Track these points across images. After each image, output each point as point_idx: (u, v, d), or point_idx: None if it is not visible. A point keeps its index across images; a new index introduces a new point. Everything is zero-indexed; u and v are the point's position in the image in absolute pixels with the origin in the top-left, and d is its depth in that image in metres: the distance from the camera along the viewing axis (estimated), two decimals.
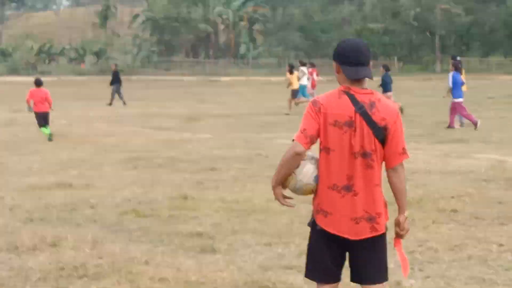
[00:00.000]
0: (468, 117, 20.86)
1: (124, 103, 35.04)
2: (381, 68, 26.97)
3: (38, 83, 20.47)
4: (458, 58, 24.17)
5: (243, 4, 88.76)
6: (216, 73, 77.88)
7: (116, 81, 36.58)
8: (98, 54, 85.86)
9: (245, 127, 22.75)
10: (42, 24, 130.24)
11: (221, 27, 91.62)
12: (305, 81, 31.12)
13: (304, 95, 30.63)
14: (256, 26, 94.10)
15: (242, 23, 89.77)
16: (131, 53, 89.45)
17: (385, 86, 25.66)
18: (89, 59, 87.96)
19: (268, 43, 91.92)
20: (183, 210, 9.68)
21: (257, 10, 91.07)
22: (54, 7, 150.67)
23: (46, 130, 19.67)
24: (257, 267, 6.97)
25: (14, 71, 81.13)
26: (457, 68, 21.53)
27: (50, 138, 19.23)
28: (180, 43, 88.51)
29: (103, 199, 10.51)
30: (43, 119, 19.90)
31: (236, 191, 11.23)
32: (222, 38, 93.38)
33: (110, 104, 35.12)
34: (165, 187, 11.65)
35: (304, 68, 31.53)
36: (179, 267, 6.85)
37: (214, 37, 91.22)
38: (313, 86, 32.28)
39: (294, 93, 29.38)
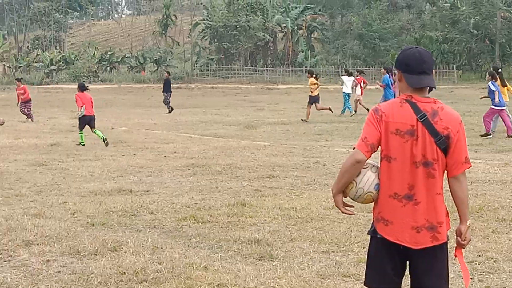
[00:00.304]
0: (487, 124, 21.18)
1: (170, 111, 35.18)
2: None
3: (83, 88, 20.99)
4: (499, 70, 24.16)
5: (302, 12, 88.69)
6: (273, 81, 77.91)
7: (167, 89, 36.82)
8: (157, 62, 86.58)
9: (303, 135, 22.74)
10: (104, 33, 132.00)
11: (280, 35, 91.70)
12: (348, 89, 31.34)
13: (345, 104, 30.99)
14: (314, 34, 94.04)
15: (300, 32, 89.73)
16: (190, 61, 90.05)
17: None
18: (149, 67, 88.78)
19: (326, 51, 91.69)
20: (241, 217, 9.72)
21: (316, 19, 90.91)
22: (116, 15, 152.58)
23: (99, 133, 20.12)
24: (315, 275, 6.98)
25: (76, 78, 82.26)
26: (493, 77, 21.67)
27: (104, 143, 19.59)
28: (239, 51, 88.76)
29: (163, 205, 10.61)
30: (91, 122, 20.31)
31: (294, 198, 11.25)
32: (280, 46, 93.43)
33: (169, 111, 35.34)
34: (223, 194, 11.73)
35: (345, 77, 31.93)
36: (237, 274, 6.89)
37: (272, 45, 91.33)
38: (361, 94, 32.45)
39: (312, 100, 29.06)
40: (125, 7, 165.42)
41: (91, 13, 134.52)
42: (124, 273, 6.93)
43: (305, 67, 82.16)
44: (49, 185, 12.88)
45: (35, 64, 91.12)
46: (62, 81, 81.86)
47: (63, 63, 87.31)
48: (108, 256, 7.59)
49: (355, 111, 31.55)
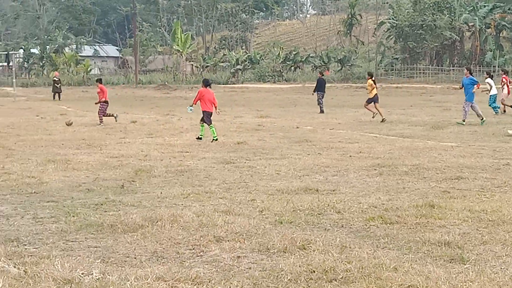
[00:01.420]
0: None
1: (321, 112, 35.13)
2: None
3: (207, 84, 21.74)
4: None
5: (490, 11, 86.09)
6: (460, 80, 75.93)
7: (320, 89, 36.70)
8: (342, 62, 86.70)
9: (491, 136, 22.06)
10: (288, 32, 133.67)
11: (467, 34, 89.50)
12: (494, 91, 30.88)
13: (491, 105, 31.70)
14: (503, 33, 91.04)
15: (489, 30, 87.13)
16: (375, 60, 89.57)
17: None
18: (333, 66, 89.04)
19: None
20: (429, 218, 9.55)
21: (505, 17, 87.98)
22: (301, 15, 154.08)
23: (213, 130, 21.13)
24: (509, 279, 6.75)
25: (261, 78, 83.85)
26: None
27: (215, 138, 20.79)
28: (424, 50, 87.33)
29: (349, 204, 10.59)
30: (209, 119, 21.24)
31: (484, 200, 10.94)
32: (467, 46, 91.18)
33: (321, 112, 35.15)
34: (411, 195, 11.57)
35: (489, 80, 31.46)
36: (428, 276, 6.77)
37: (459, 44, 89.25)
38: (508, 93, 31.77)
39: (370, 100, 30.37)
40: (310, 7, 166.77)
41: (277, 13, 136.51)
42: (314, 271, 6.96)
43: (493, 66, 79.85)
44: (237, 183, 13.16)
45: (221, 64, 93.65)
46: (247, 80, 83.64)
47: (248, 62, 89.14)
48: (297, 254, 7.65)
49: (504, 111, 31.05)
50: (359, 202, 10.77)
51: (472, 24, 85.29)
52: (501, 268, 7.15)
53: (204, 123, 21.55)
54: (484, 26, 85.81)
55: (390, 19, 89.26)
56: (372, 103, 30.14)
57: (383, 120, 28.60)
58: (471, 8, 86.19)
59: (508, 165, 15.06)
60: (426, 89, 65.45)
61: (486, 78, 32.75)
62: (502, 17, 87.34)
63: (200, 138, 21.36)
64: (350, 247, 7.96)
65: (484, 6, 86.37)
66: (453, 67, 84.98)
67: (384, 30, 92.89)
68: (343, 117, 32.14)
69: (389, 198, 11.17)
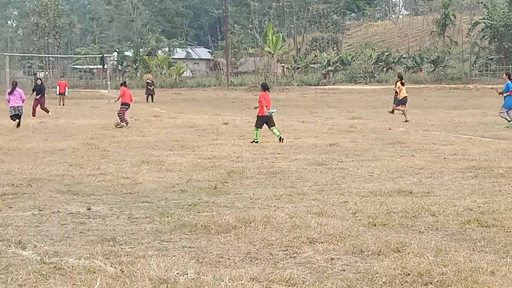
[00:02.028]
0: None
1: (392, 112, 34.79)
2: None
3: (265, 87, 22.15)
4: None
5: None
6: None
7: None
8: (435, 62, 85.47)
9: None
10: (380, 33, 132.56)
11: None
12: None
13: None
14: None
15: None
16: (469, 61, 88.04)
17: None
18: (426, 67, 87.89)
19: None
20: None
21: None
22: (393, 16, 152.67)
23: (276, 131, 21.64)
24: None
25: (352, 79, 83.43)
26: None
27: (280, 140, 21.18)
28: None
29: (444, 207, 10.42)
30: (269, 120, 21.62)
31: None
32: None
33: (391, 112, 34.87)
34: (508, 198, 11.33)
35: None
36: None
37: None
38: None
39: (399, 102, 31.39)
40: (403, 7, 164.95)
41: (368, 14, 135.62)
42: (409, 274, 6.87)
43: None
44: (329, 184, 13.12)
45: (312, 65, 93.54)
46: (339, 81, 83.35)
47: (340, 64, 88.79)
48: (392, 257, 7.57)
49: None
50: (454, 205, 10.59)
51: None
52: None
53: (258, 128, 21.67)
54: None
55: (484, 19, 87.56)
56: (400, 105, 30.87)
57: (406, 121, 29.40)
58: None
59: None
60: None
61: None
62: None
63: (257, 142, 21.34)
64: (445, 250, 7.83)
65: None
66: None
67: (478, 30, 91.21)
68: (437, 118, 31.70)
69: (485, 201, 10.95)
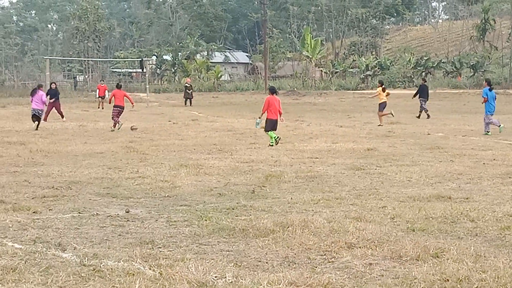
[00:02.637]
0: None
1: (428, 116, 35.86)
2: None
3: (273, 91, 22.76)
4: None
5: None
6: None
7: (423, 94, 37.43)
8: (474, 67, 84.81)
9: None
10: (419, 38, 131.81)
11: None
12: None
13: None
14: None
15: None
16: (509, 66, 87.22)
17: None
18: (465, 72, 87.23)
19: None
20: None
21: None
22: (432, 20, 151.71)
23: (272, 135, 21.81)
24: None
25: (391, 84, 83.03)
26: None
27: (275, 142, 21.56)
28: None
29: (483, 213, 10.35)
30: (274, 125, 22.01)
31: None
32: None
33: (418, 117, 36.25)
34: None
35: None
36: None
37: None
38: None
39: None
40: (442, 12, 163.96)
41: (408, 18, 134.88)
42: (447, 280, 6.84)
43: None
44: (367, 189, 13.08)
45: (351, 70, 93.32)
46: (377, 86, 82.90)
47: (378, 68, 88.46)
48: (430, 262, 7.53)
49: None
50: (494, 211, 10.51)
51: None
52: None
53: (269, 132, 22.04)
54: None
55: None
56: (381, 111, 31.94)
57: (380, 125, 30.69)
58: None
59: None
60: None
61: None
62: None
63: (272, 145, 21.56)
64: (485, 256, 7.78)
65: None
66: None
67: None
68: (476, 123, 31.42)
69: None
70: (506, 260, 7.63)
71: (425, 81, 42.50)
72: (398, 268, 7.44)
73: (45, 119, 32.73)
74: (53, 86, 36.34)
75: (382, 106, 31.96)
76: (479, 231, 9.22)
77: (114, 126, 28.65)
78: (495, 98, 27.47)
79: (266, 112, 22.25)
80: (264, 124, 22.27)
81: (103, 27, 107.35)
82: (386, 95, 32.37)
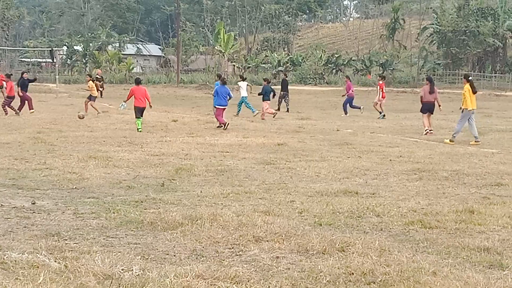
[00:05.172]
0: None
1: (287, 110, 38.50)
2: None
3: (138, 82, 25.62)
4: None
5: None
6: (502, 87, 75.66)
7: (284, 89, 39.94)
8: (383, 66, 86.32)
9: None
10: (331, 35, 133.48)
11: (510, 41, 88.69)
12: (244, 93, 35.25)
13: (239, 107, 35.20)
14: None
15: None
16: (417, 65, 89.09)
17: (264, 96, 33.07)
18: (375, 70, 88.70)
19: None
20: (469, 224, 9.49)
21: None
22: (344, 18, 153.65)
23: (139, 122, 24.07)
24: None
25: (302, 80, 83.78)
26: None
27: (140, 130, 23.80)
28: (467, 56, 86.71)
29: (389, 208, 10.55)
30: (140, 113, 24.41)
31: None
32: (510, 53, 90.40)
33: (278, 109, 37.93)
34: (451, 200, 11.51)
35: (241, 83, 35.83)
36: (467, 281, 6.72)
37: (502, 51, 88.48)
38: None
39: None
40: (353, 10, 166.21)
41: (320, 16, 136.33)
42: (352, 273, 6.95)
43: None
44: (276, 184, 13.18)
45: (263, 65, 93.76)
46: (289, 82, 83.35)
47: (290, 64, 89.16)
48: (336, 256, 7.65)
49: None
50: (399, 206, 10.73)
51: None
52: None
53: (139, 118, 24.43)
54: None
55: (433, 24, 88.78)
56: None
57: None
58: None
59: None
60: None
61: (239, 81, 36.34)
62: None
63: (140, 131, 23.83)
64: (389, 251, 7.94)
65: None
66: (495, 73, 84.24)
67: (427, 35, 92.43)
68: (384, 121, 32.07)
69: (428, 203, 11.12)
70: (410, 254, 7.80)
71: (287, 76, 46.77)
72: (304, 261, 7.53)
73: None
74: None
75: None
76: (384, 226, 9.40)
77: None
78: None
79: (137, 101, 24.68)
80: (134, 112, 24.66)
81: (12, 15, 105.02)
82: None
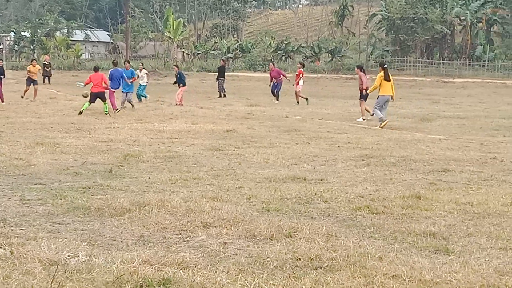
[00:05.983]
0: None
1: (224, 96, 39.52)
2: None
3: (96, 69, 27.26)
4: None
5: (482, 5, 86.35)
6: (450, 74, 76.63)
7: (221, 75, 40.83)
8: (332, 52, 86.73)
9: (479, 130, 22.22)
10: (280, 22, 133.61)
11: (458, 28, 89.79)
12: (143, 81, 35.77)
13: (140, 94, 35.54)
14: (494, 28, 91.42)
15: (480, 25, 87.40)
16: (365, 52, 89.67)
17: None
18: (324, 57, 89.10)
19: (505, 45, 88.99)
20: (416, 210, 9.61)
21: (496, 12, 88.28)
22: (293, 5, 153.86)
23: (86, 106, 25.41)
24: (493, 271, 6.77)
25: (251, 66, 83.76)
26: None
27: (106, 112, 25.29)
28: (415, 43, 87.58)
29: (336, 194, 10.62)
30: (95, 98, 25.67)
31: (470, 193, 11.00)
32: (458, 40, 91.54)
33: (220, 96, 39.71)
34: (398, 186, 11.63)
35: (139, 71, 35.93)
36: (412, 265, 6.80)
37: (450, 38, 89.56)
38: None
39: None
40: None
41: (269, 2, 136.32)
42: (299, 259, 6.99)
43: (483, 61, 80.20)
44: (225, 170, 13.18)
45: (212, 52, 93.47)
46: (238, 69, 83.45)
47: (239, 51, 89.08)
48: (283, 242, 7.68)
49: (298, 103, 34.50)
50: (346, 192, 10.81)
51: (464, 18, 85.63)
52: (485, 260, 7.17)
53: (105, 103, 25.69)
54: (475, 20, 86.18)
55: (382, 11, 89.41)
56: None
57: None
58: (463, 2, 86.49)
59: (495, 158, 15.14)
60: (415, 81, 65.61)
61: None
62: (493, 12, 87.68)
63: (81, 112, 24.86)
64: (336, 236, 7.99)
65: (476, 1, 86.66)
66: (443, 60, 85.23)
67: (375, 22, 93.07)
68: (333, 107, 32.26)
69: (376, 189, 11.22)
70: (356, 239, 7.86)
71: (225, 62, 47.07)
72: (252, 247, 7.55)
73: None
74: None
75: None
76: (332, 212, 9.46)
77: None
78: None
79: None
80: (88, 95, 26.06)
81: None
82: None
